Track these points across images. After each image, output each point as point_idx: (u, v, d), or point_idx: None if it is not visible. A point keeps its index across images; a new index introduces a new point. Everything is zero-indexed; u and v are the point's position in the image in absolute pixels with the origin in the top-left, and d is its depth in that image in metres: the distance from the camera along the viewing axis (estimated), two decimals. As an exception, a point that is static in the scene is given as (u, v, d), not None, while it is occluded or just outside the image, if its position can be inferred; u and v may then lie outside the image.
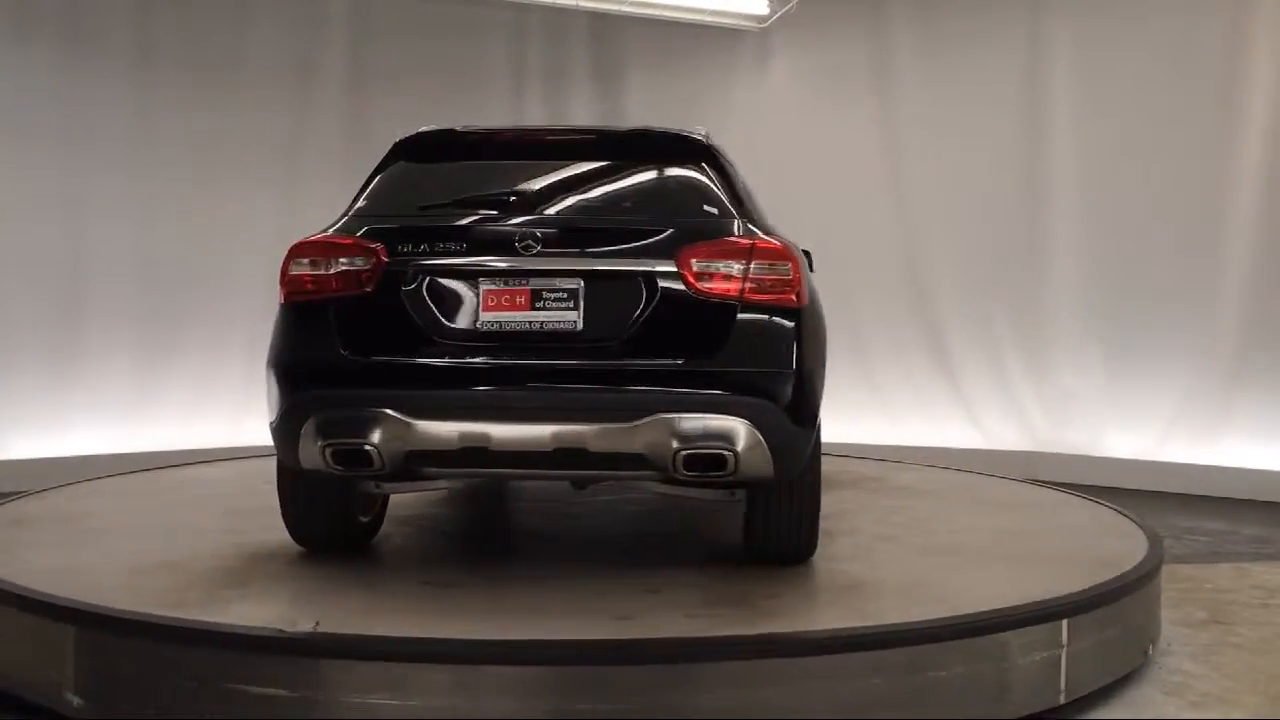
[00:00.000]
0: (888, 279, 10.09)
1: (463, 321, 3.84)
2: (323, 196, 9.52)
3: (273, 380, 3.96)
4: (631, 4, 10.22)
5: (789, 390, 3.84)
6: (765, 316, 3.87)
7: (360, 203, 4.23)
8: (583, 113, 10.30)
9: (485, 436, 3.74)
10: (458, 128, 4.44)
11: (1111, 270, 9.26)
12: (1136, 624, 4.20)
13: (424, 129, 4.46)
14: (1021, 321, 9.69)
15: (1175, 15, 8.95)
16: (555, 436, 3.73)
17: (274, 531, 4.47)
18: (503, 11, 10.28)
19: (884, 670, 3.43)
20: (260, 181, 9.54)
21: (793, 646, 3.41)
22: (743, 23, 10.65)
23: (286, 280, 3.99)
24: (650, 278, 3.83)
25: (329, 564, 4.30)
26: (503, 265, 3.85)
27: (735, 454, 3.73)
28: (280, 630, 3.37)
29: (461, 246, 3.90)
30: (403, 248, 3.89)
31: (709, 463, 3.75)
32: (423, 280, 3.86)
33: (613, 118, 10.15)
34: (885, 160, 10.11)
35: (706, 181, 4.25)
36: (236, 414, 9.10)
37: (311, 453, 3.83)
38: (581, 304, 3.82)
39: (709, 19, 10.51)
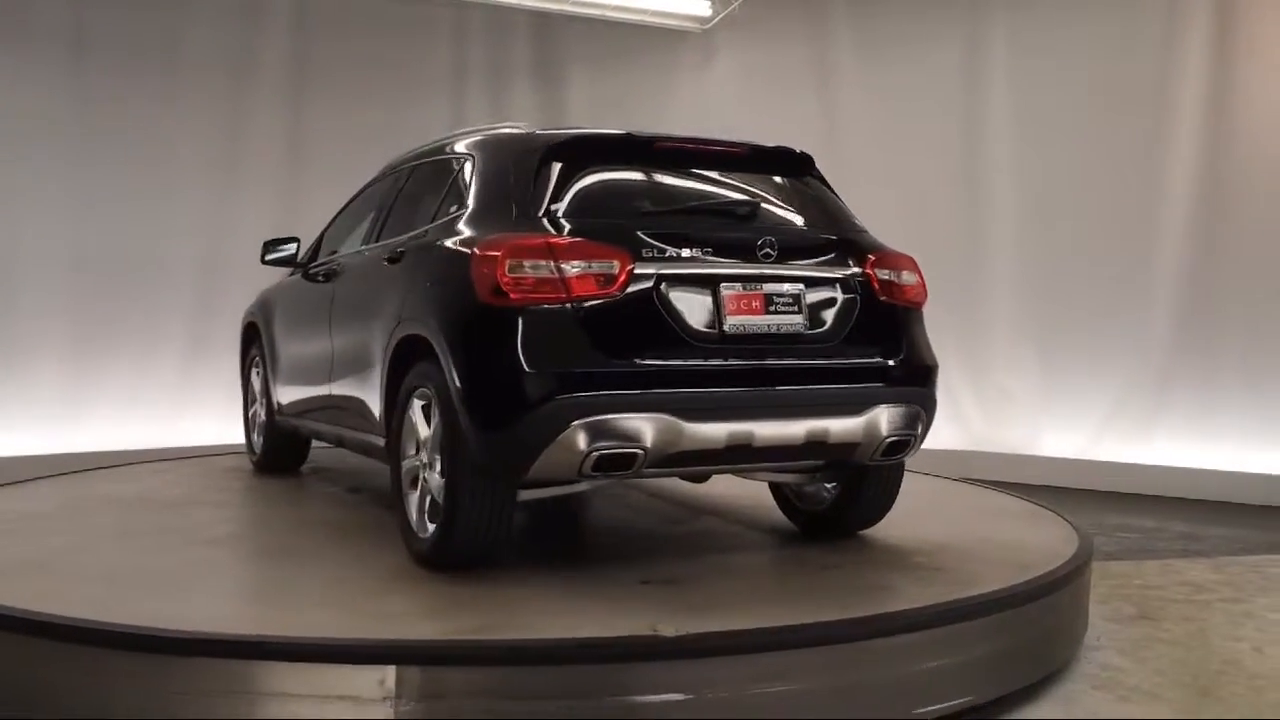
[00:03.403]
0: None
1: (708, 325, 3.94)
2: (260, 193, 9.54)
3: (503, 387, 3.78)
4: (573, 3, 10.20)
5: (935, 379, 4.41)
6: (915, 316, 4.44)
7: (543, 203, 4.06)
8: (525, 114, 10.27)
9: (750, 435, 3.93)
10: (626, 132, 4.43)
11: (1047, 272, 9.41)
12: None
13: (584, 131, 4.41)
14: (958, 321, 9.77)
15: (1110, 19, 9.11)
16: (808, 431, 4.03)
17: (333, 554, 4.46)
18: (444, 9, 10.22)
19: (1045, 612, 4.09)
20: (197, 178, 9.42)
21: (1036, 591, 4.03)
22: (685, 23, 10.68)
23: (508, 283, 3.78)
24: (851, 283, 4.24)
25: (494, 574, 4.08)
26: (745, 271, 4.03)
27: (916, 438, 4.29)
28: (655, 630, 3.32)
29: (708, 251, 4.00)
30: (646, 251, 3.89)
31: (900, 447, 4.26)
32: (671, 284, 3.90)
33: (555, 118, 10.13)
34: (826, 161, 10.04)
35: (835, 196, 4.67)
36: (171, 414, 8.97)
37: (566, 459, 3.74)
38: (805, 307, 4.11)
39: (651, 19, 10.52)
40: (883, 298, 4.28)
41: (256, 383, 6.50)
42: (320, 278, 5.56)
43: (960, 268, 9.74)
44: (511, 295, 3.79)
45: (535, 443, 3.75)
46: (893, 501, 4.74)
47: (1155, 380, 8.90)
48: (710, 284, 3.96)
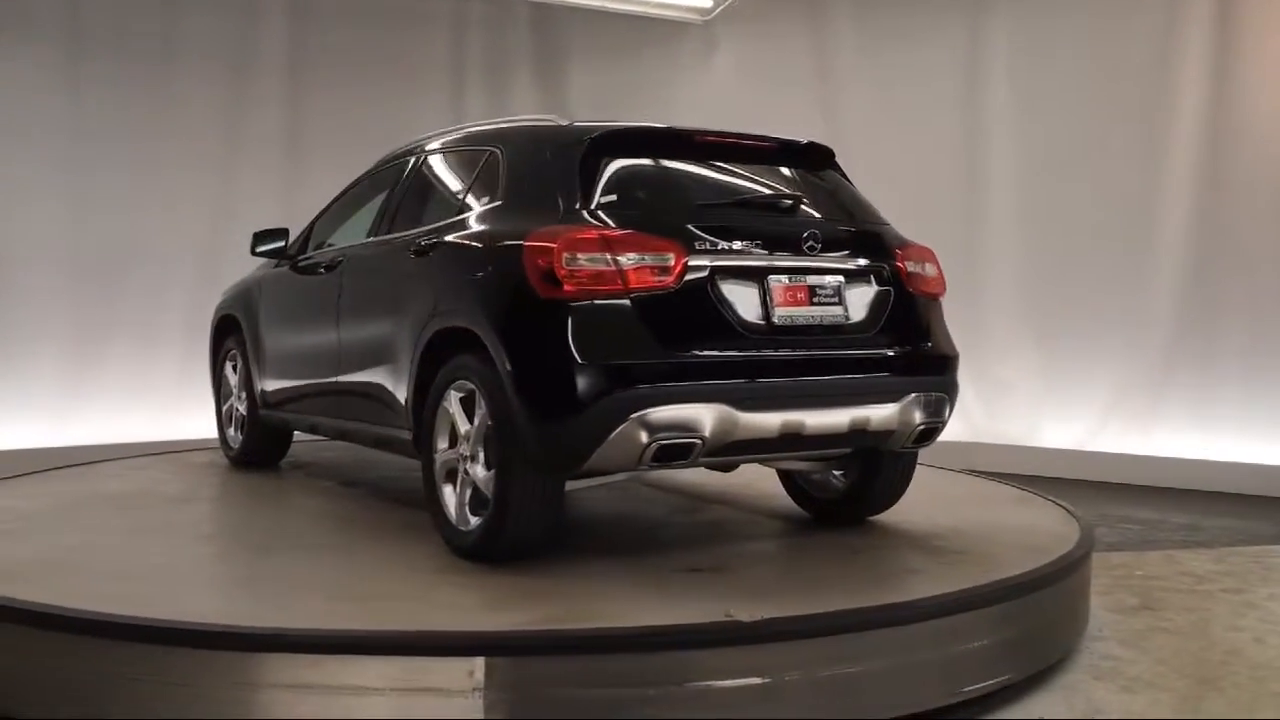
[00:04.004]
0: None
1: (757, 316, 4.01)
2: (259, 186, 9.53)
3: (563, 381, 3.77)
4: (573, -5, 10.20)
5: (957, 367, 4.55)
6: (937, 307, 4.58)
7: (589, 196, 4.07)
8: (525, 106, 10.24)
9: (801, 424, 4.02)
10: (666, 126, 4.50)
11: (1047, 264, 9.39)
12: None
13: (625, 125, 4.44)
14: (958, 312, 9.65)
15: (1111, 14, 9.07)
16: (852, 419, 4.14)
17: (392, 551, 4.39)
18: (444, 2, 10.20)
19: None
20: (194, 171, 9.39)
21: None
22: (686, 15, 10.65)
23: (565, 275, 3.79)
24: (884, 275, 4.35)
25: (537, 566, 4.09)
26: (792, 263, 4.12)
27: (943, 424, 4.43)
28: (729, 615, 3.40)
29: (757, 244, 4.07)
30: (698, 244, 3.95)
31: (930, 434, 4.41)
32: (723, 276, 3.97)
33: (554, 110, 10.08)
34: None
35: (855, 189, 4.74)
36: (171, 406, 8.97)
37: (626, 450, 3.77)
38: (844, 299, 4.21)
39: (652, 11, 10.49)
40: (910, 289, 4.40)
41: (232, 377, 6.40)
42: (322, 269, 5.48)
43: (960, 259, 9.62)
44: (567, 287, 3.80)
45: (595, 435, 3.77)
46: (905, 488, 4.85)
47: (1156, 371, 8.88)
48: (759, 276, 4.04)
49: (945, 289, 4.61)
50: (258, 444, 6.31)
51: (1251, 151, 8.54)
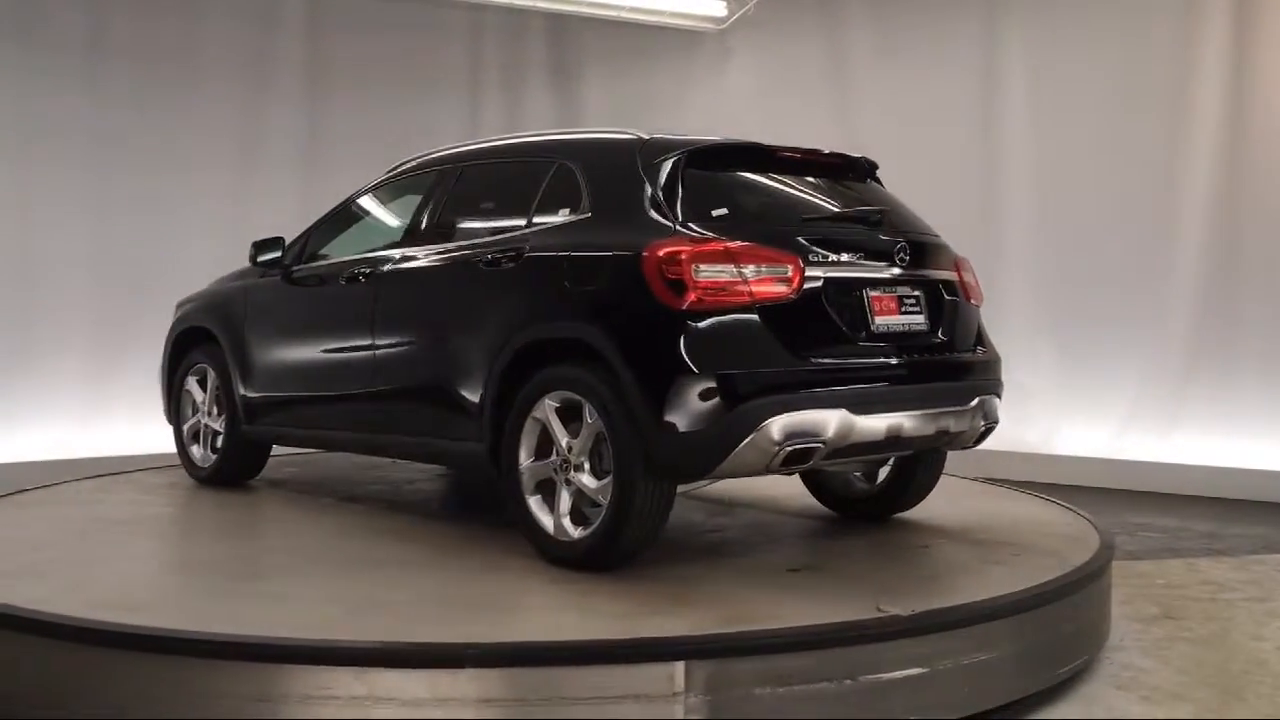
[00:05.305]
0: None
1: (860, 325, 4.20)
2: (278, 194, 9.56)
3: (698, 391, 3.84)
4: (588, 5, 10.21)
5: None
6: (979, 314, 4.81)
7: (688, 208, 4.17)
8: (540, 114, 10.27)
9: (902, 426, 4.19)
10: (749, 140, 4.62)
11: (1065, 269, 9.34)
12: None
13: (716, 139, 4.57)
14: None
15: (1128, 17, 9.05)
16: (939, 422, 4.34)
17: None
18: (460, 11, 10.25)
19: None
20: (214, 179, 9.45)
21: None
22: (701, 24, 10.66)
23: (693, 285, 3.90)
24: (950, 284, 4.60)
25: (659, 571, 4.15)
26: (888, 275, 4.34)
27: (996, 425, 4.66)
28: (881, 610, 3.58)
29: (859, 256, 4.26)
30: (811, 256, 4.10)
31: (988, 434, 4.66)
32: (833, 287, 4.14)
33: (571, 119, 10.14)
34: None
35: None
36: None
37: (757, 456, 3.90)
38: (925, 308, 4.43)
39: (667, 20, 10.51)
40: (966, 296, 4.67)
41: (198, 392, 6.06)
42: (341, 279, 5.27)
43: (978, 264, 9.59)
44: (692, 297, 3.91)
45: (730, 443, 3.87)
46: (934, 487, 5.07)
47: (1175, 377, 8.82)
48: (860, 286, 4.23)
49: (983, 298, 4.84)
50: (236, 461, 5.98)
51: (1273, 154, 8.48)
